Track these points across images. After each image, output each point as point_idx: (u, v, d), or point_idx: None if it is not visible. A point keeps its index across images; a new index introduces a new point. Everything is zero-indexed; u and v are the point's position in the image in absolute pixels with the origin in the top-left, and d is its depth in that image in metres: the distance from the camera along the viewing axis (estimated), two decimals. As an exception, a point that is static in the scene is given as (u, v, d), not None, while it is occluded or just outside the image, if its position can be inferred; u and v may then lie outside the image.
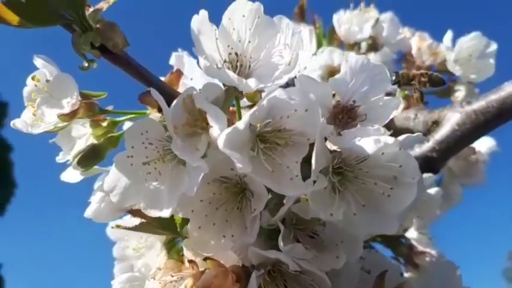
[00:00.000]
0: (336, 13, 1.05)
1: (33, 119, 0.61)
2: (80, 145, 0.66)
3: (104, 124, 0.69)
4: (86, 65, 0.60)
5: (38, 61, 0.61)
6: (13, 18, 0.47)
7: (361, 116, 0.56)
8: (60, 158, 0.66)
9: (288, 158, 0.50)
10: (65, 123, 0.61)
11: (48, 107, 0.59)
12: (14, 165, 8.48)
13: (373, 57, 1.13)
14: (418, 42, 0.96)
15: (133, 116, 0.69)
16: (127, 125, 0.72)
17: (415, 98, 1.02)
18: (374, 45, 1.08)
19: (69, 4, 0.52)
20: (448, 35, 0.92)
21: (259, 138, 0.49)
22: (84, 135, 0.67)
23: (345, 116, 0.56)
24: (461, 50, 0.91)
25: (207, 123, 0.50)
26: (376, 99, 0.54)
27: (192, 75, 0.74)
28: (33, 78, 0.62)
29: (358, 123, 0.56)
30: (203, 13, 0.53)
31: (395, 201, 0.50)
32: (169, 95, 0.62)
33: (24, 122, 0.61)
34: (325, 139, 0.51)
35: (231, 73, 0.50)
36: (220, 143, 0.46)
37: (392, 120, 0.94)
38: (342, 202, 0.51)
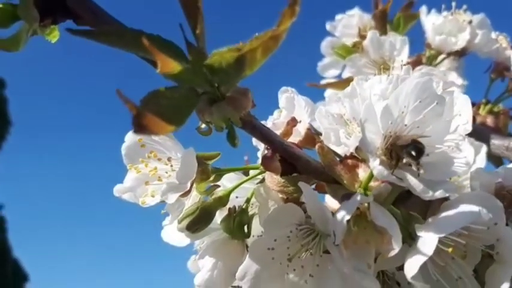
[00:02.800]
0: (427, 16, 0.94)
1: (143, 191, 0.53)
2: (187, 206, 0.60)
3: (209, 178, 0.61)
4: (207, 129, 0.52)
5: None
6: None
7: (528, 205, 0.50)
8: (167, 223, 0.59)
9: (463, 270, 0.45)
10: (180, 197, 0.54)
11: (174, 192, 0.51)
12: (8, 101, 8.25)
13: (448, 63, 1.03)
14: (522, 59, 0.87)
15: (243, 170, 0.62)
16: (229, 176, 0.65)
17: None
18: (461, 51, 0.99)
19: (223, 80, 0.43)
20: None
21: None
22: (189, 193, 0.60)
23: (510, 204, 0.50)
24: None
25: (376, 234, 0.43)
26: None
27: (301, 117, 0.66)
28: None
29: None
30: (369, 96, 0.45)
31: None
32: (292, 156, 0.55)
33: (132, 195, 0.54)
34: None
35: (412, 180, 0.42)
36: (410, 276, 0.40)
37: (487, 145, 0.88)
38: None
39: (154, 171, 0.56)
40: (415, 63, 0.99)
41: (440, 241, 0.43)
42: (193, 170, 0.51)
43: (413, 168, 0.44)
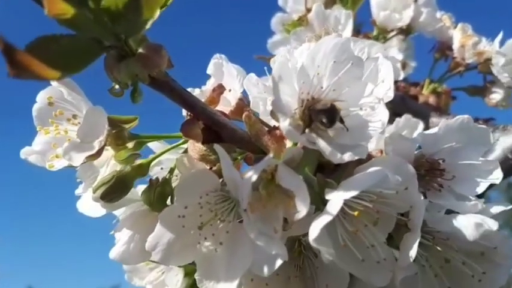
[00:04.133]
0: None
1: (51, 154, 0.49)
2: (103, 173, 0.56)
3: (129, 145, 0.58)
4: (119, 91, 0.48)
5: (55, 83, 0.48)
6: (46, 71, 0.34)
7: (448, 174, 0.49)
8: (80, 192, 0.56)
9: (376, 237, 0.44)
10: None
11: (77, 152, 0.47)
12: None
13: (397, 43, 1.03)
14: (462, 38, 0.87)
15: (165, 138, 0.59)
16: (155, 145, 0.62)
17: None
18: (406, 29, 0.98)
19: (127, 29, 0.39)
20: (499, 37, 0.84)
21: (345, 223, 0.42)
22: (106, 160, 0.57)
23: (429, 171, 0.49)
24: (509, 51, 0.83)
25: (286, 198, 0.42)
26: (469, 163, 0.47)
27: (231, 85, 0.63)
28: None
29: (444, 182, 0.49)
30: (285, 53, 0.42)
31: (485, 285, 0.46)
32: (216, 123, 0.53)
33: (39, 157, 0.50)
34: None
35: (321, 143, 0.41)
36: (312, 238, 0.38)
37: (426, 123, 0.88)
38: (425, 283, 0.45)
39: (64, 133, 0.52)
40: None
41: (348, 205, 0.41)
42: (99, 128, 0.48)
43: (326, 132, 0.43)
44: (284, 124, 0.41)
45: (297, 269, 0.49)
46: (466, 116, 0.46)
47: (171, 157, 0.63)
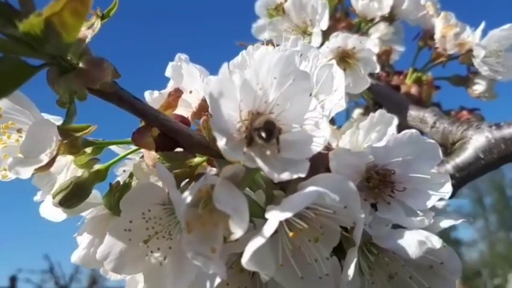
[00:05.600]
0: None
1: (4, 165, 0.50)
2: (61, 179, 0.56)
3: (87, 150, 0.58)
4: (65, 103, 0.47)
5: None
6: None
7: (398, 184, 0.48)
8: (38, 198, 0.56)
9: (318, 252, 0.43)
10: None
11: (23, 166, 0.47)
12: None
13: (384, 28, 1.00)
14: (443, 28, 0.84)
15: (121, 144, 0.59)
16: (117, 147, 0.61)
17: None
18: (389, 17, 0.95)
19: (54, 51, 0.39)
20: (480, 28, 0.81)
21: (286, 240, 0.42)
22: (64, 165, 0.57)
23: (379, 182, 0.49)
24: (491, 43, 0.80)
25: (225, 216, 0.41)
26: (419, 176, 0.46)
27: (192, 86, 0.62)
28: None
29: (394, 195, 0.48)
30: (225, 70, 0.41)
31: (430, 298, 0.46)
32: (171, 130, 0.52)
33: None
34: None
35: (259, 162, 0.40)
36: (244, 261, 0.38)
37: (404, 116, 0.87)
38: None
39: (16, 142, 0.52)
40: (345, 27, 0.95)
41: (289, 222, 0.41)
42: (46, 141, 0.47)
43: (267, 148, 0.42)
44: (221, 144, 0.40)
45: (250, 277, 0.50)
46: (413, 130, 0.45)
47: (135, 158, 0.63)
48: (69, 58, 0.43)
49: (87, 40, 0.44)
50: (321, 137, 0.43)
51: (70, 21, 0.34)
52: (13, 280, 9.35)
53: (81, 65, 0.44)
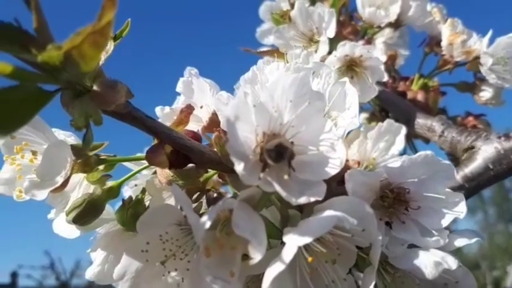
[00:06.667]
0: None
1: (18, 189, 0.50)
2: (74, 196, 0.56)
3: (100, 167, 0.58)
4: (81, 127, 0.47)
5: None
6: None
7: (413, 203, 0.48)
8: (52, 216, 0.56)
9: (335, 273, 0.44)
10: (57, 192, 0.50)
11: (39, 189, 0.47)
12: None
13: (389, 32, 1.00)
14: (450, 36, 0.83)
15: (133, 160, 0.59)
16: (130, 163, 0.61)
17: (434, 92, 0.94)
18: (395, 23, 0.95)
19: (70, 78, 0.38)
20: (488, 36, 0.80)
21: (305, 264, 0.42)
22: (77, 183, 0.57)
23: (394, 201, 0.49)
24: (498, 50, 0.80)
25: (243, 239, 0.41)
26: (434, 196, 0.47)
27: (203, 101, 0.62)
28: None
29: (408, 213, 0.48)
30: (241, 94, 0.41)
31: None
32: (182, 147, 0.52)
33: (7, 188, 0.50)
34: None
35: (277, 186, 0.40)
36: (264, 286, 0.39)
37: (412, 124, 0.87)
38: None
39: (30, 163, 0.52)
40: (351, 33, 0.95)
41: (305, 247, 0.41)
42: (61, 164, 0.47)
43: (282, 173, 0.42)
44: (239, 169, 0.40)
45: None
46: (429, 151, 0.45)
47: (147, 173, 0.63)
48: (84, 81, 0.43)
49: (101, 63, 0.44)
50: (336, 158, 0.43)
51: (89, 52, 0.34)
52: (14, 276, 9.38)
53: (95, 87, 0.44)
